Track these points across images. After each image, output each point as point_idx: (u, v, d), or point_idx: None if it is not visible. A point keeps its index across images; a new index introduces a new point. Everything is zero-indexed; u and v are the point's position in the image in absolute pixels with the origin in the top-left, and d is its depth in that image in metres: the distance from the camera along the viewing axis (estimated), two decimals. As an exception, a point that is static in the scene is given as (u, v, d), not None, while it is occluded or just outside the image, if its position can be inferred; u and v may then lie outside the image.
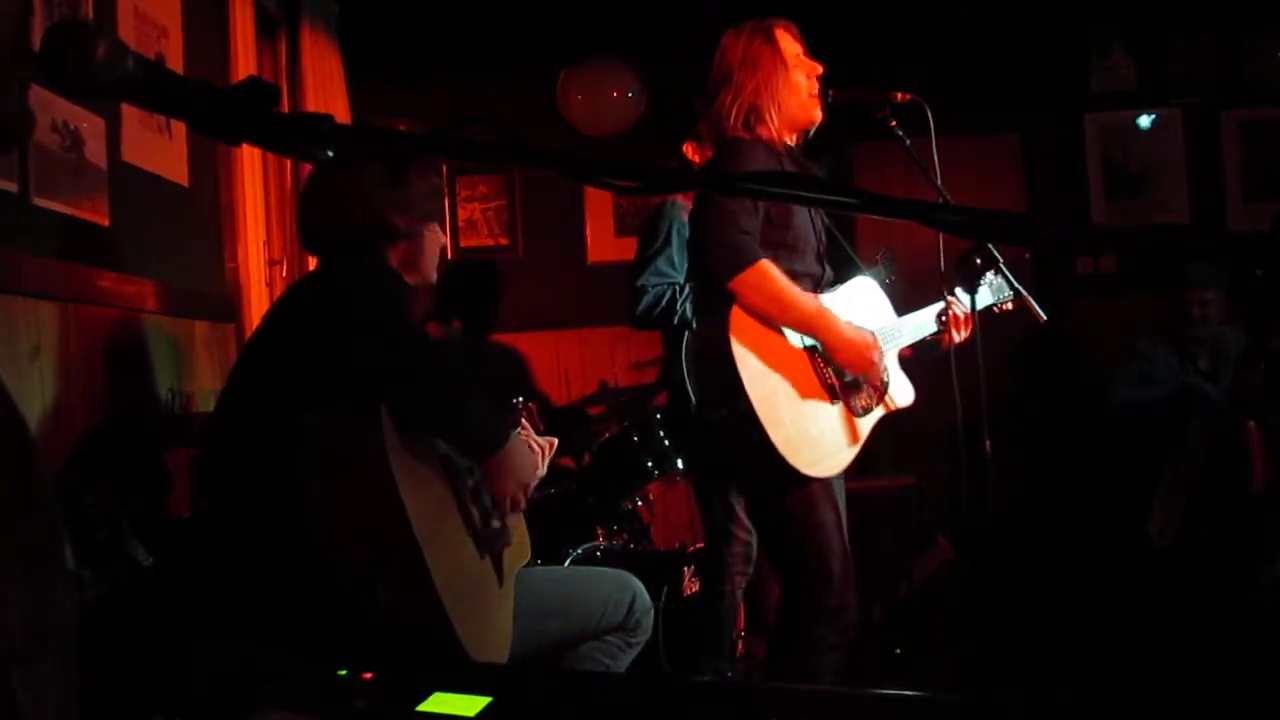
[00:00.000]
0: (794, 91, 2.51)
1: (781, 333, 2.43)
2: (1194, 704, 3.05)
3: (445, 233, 5.01)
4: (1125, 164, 5.19)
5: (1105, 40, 5.18)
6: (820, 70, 2.55)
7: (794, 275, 2.45)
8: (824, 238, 2.64)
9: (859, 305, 2.62)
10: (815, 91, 2.53)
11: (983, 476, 2.46)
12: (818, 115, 2.57)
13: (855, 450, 2.50)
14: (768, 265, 2.37)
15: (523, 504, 2.00)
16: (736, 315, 2.37)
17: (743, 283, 2.35)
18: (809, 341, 2.46)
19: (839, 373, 2.49)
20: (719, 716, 1.08)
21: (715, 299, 2.41)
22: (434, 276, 2.15)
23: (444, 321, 3.96)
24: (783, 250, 2.45)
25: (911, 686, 3.36)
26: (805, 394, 2.43)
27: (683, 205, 3.34)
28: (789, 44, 2.54)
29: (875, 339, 2.53)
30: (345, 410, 1.73)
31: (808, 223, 2.56)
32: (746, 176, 1.05)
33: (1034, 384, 5.05)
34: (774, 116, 2.49)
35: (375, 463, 1.67)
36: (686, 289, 3.28)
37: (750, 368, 2.34)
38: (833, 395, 2.47)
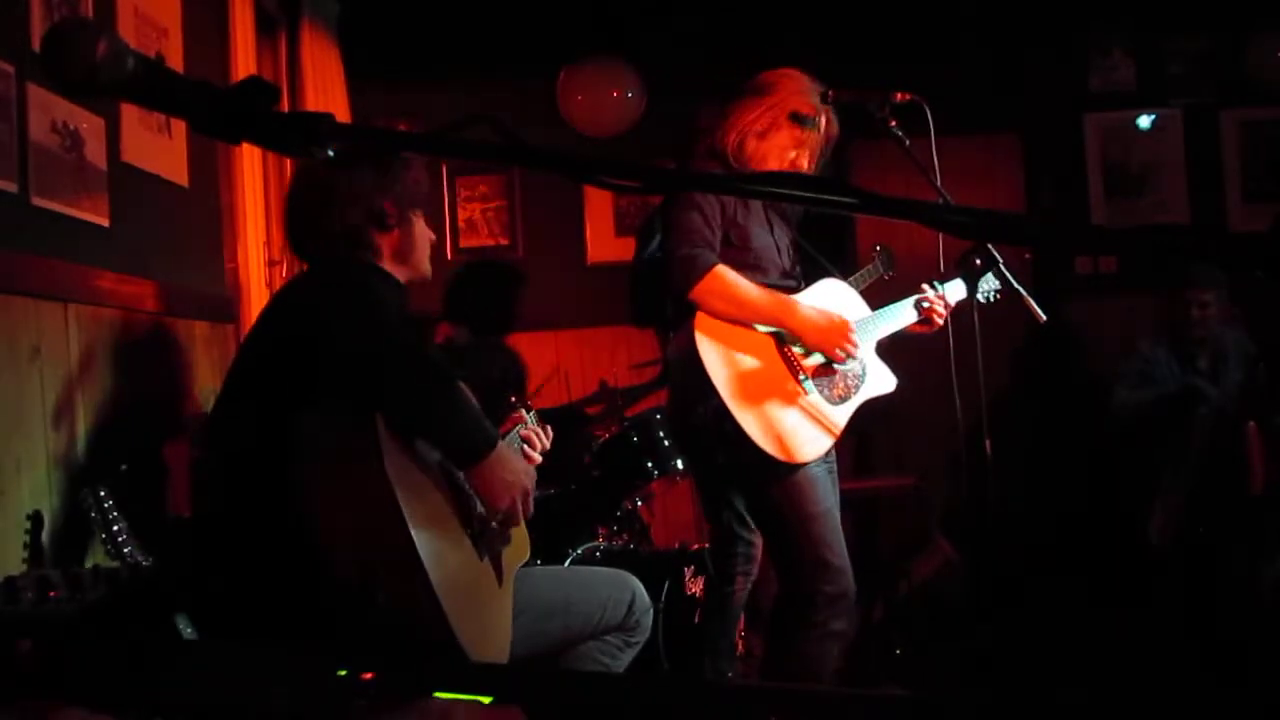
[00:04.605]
0: (777, 165, 2.58)
1: (749, 330, 2.52)
2: (1193, 703, 3.05)
3: (446, 233, 5.07)
4: (1125, 164, 5.19)
5: (1105, 40, 5.17)
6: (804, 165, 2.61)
7: None
8: (794, 254, 2.70)
9: (828, 302, 2.68)
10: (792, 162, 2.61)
11: (983, 476, 2.46)
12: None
13: (833, 438, 2.57)
14: (722, 270, 2.46)
15: (521, 515, 1.92)
16: (701, 320, 2.47)
17: (702, 291, 2.45)
18: (778, 334, 2.54)
19: (811, 363, 2.56)
20: (719, 716, 1.08)
21: (682, 310, 2.51)
22: (428, 269, 2.14)
23: (455, 322, 3.96)
24: (745, 270, 2.54)
25: (911, 686, 3.37)
26: (777, 386, 2.51)
27: None
28: (810, 135, 2.59)
29: (845, 319, 2.60)
30: (340, 412, 1.73)
31: (770, 244, 2.64)
32: (745, 177, 1.05)
33: (1034, 384, 5.05)
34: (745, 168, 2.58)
35: (370, 465, 1.67)
36: None
37: (719, 367, 2.44)
38: (805, 386, 2.54)
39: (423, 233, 2.10)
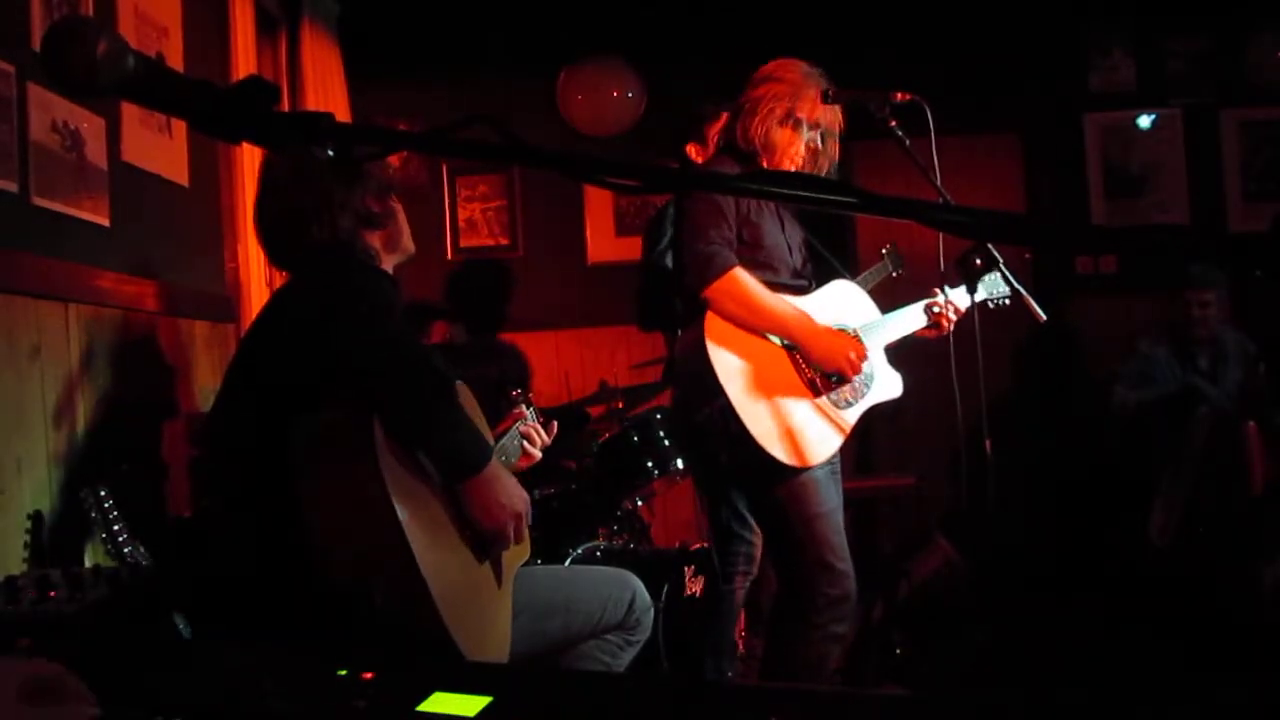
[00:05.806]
0: (796, 153, 2.59)
1: (760, 333, 2.51)
2: (1193, 704, 3.05)
3: (446, 233, 5.07)
4: (1125, 164, 5.19)
5: (1105, 40, 5.17)
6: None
7: (772, 289, 2.53)
8: (804, 254, 2.69)
9: (838, 305, 2.68)
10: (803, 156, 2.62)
11: (983, 476, 2.46)
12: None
13: (839, 441, 2.57)
14: (739, 273, 2.45)
15: (513, 537, 1.88)
16: (711, 319, 2.47)
17: (716, 291, 2.45)
18: (787, 341, 2.53)
19: (819, 368, 2.55)
20: (719, 716, 1.08)
21: (693, 306, 2.50)
22: (413, 246, 2.12)
23: (454, 321, 3.97)
24: (755, 269, 2.53)
25: (911, 686, 3.36)
26: (785, 388, 2.50)
27: None
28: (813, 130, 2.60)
29: (855, 337, 2.60)
30: (338, 414, 1.73)
31: (782, 243, 2.64)
32: (743, 177, 1.05)
33: (1034, 384, 5.05)
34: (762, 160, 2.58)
35: (367, 467, 1.66)
36: None
37: (727, 366, 2.43)
38: (814, 389, 2.54)
39: (402, 214, 2.09)
